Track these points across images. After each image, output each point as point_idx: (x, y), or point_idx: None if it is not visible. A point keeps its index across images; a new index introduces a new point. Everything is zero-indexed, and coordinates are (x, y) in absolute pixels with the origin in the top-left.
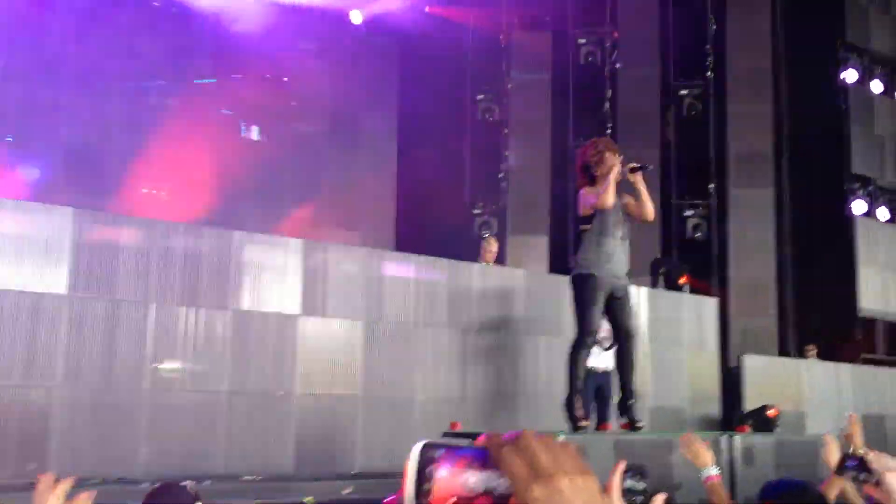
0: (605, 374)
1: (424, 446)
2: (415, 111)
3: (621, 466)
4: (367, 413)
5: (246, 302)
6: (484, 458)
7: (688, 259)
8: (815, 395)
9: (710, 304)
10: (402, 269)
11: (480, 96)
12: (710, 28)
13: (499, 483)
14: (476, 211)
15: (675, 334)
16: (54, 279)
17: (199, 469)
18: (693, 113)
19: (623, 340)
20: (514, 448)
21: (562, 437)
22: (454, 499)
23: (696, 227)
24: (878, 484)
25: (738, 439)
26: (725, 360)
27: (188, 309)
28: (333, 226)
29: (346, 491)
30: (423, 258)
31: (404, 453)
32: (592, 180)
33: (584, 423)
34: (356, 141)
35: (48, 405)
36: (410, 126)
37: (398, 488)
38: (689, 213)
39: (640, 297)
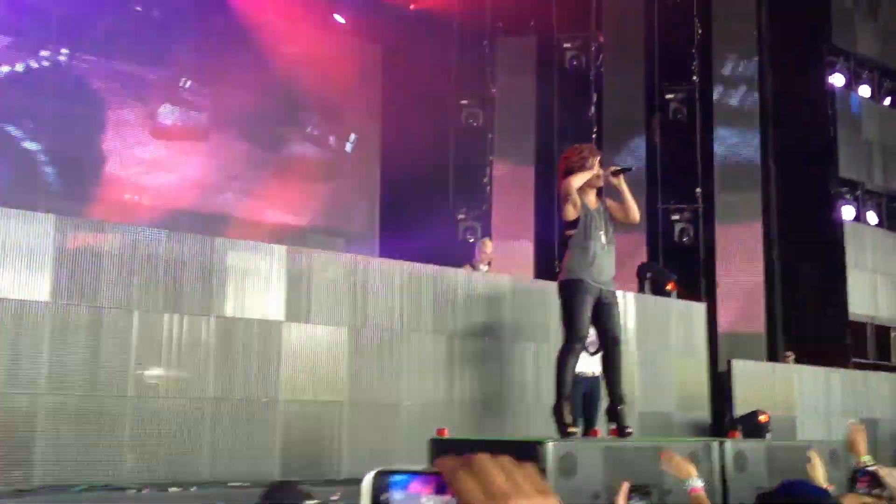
0: (593, 378)
1: (377, 474)
2: (399, 116)
3: (626, 487)
4: (353, 419)
5: (229, 308)
6: (439, 483)
7: (675, 264)
8: (805, 399)
9: (698, 309)
10: (386, 275)
11: (465, 101)
12: (696, 32)
13: None
14: (460, 216)
15: (663, 339)
16: (37, 286)
17: (185, 475)
18: (679, 117)
19: (610, 346)
20: (468, 471)
21: (550, 444)
22: None
23: (682, 232)
24: (892, 500)
25: (728, 445)
26: (714, 365)
27: (171, 315)
28: (316, 231)
29: (335, 498)
30: (407, 264)
31: (392, 458)
32: None
33: (572, 429)
34: (339, 145)
35: (33, 412)
36: (394, 131)
37: None
38: (675, 217)
39: (627, 302)
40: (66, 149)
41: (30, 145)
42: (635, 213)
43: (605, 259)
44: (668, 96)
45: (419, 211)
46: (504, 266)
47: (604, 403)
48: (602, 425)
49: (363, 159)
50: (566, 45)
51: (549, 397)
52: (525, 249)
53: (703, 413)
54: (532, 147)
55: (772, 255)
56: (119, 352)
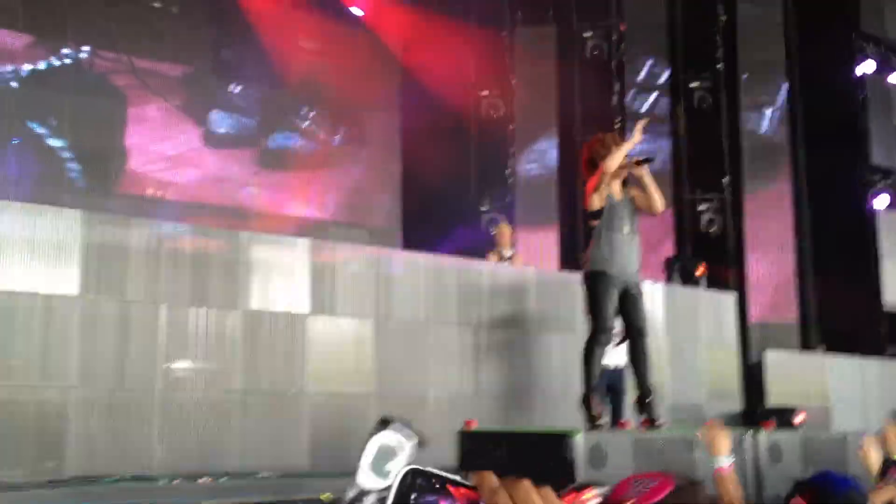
0: (617, 370)
1: (409, 472)
2: (419, 108)
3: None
4: (380, 410)
5: (255, 301)
6: (470, 499)
7: (703, 254)
8: (840, 390)
9: (728, 300)
10: (410, 267)
11: (485, 92)
12: (720, 19)
13: None
14: (483, 208)
15: (692, 331)
16: (65, 281)
17: (215, 466)
18: (704, 106)
19: (636, 338)
20: (508, 497)
21: (579, 436)
22: None
23: (710, 222)
24: None
25: (763, 435)
26: (746, 356)
27: (198, 309)
28: (339, 225)
29: None
30: (430, 256)
31: (420, 449)
32: None
33: (601, 420)
34: (361, 139)
35: (63, 405)
36: (415, 123)
37: None
38: (702, 207)
39: (655, 294)
40: (90, 145)
41: (54, 142)
42: (659, 203)
43: (630, 249)
44: (693, 84)
45: (442, 203)
46: (528, 257)
47: (630, 395)
48: (631, 417)
49: (384, 152)
50: (587, 34)
51: (576, 389)
52: (549, 240)
53: (735, 404)
54: (554, 137)
55: (803, 244)
56: (147, 345)
